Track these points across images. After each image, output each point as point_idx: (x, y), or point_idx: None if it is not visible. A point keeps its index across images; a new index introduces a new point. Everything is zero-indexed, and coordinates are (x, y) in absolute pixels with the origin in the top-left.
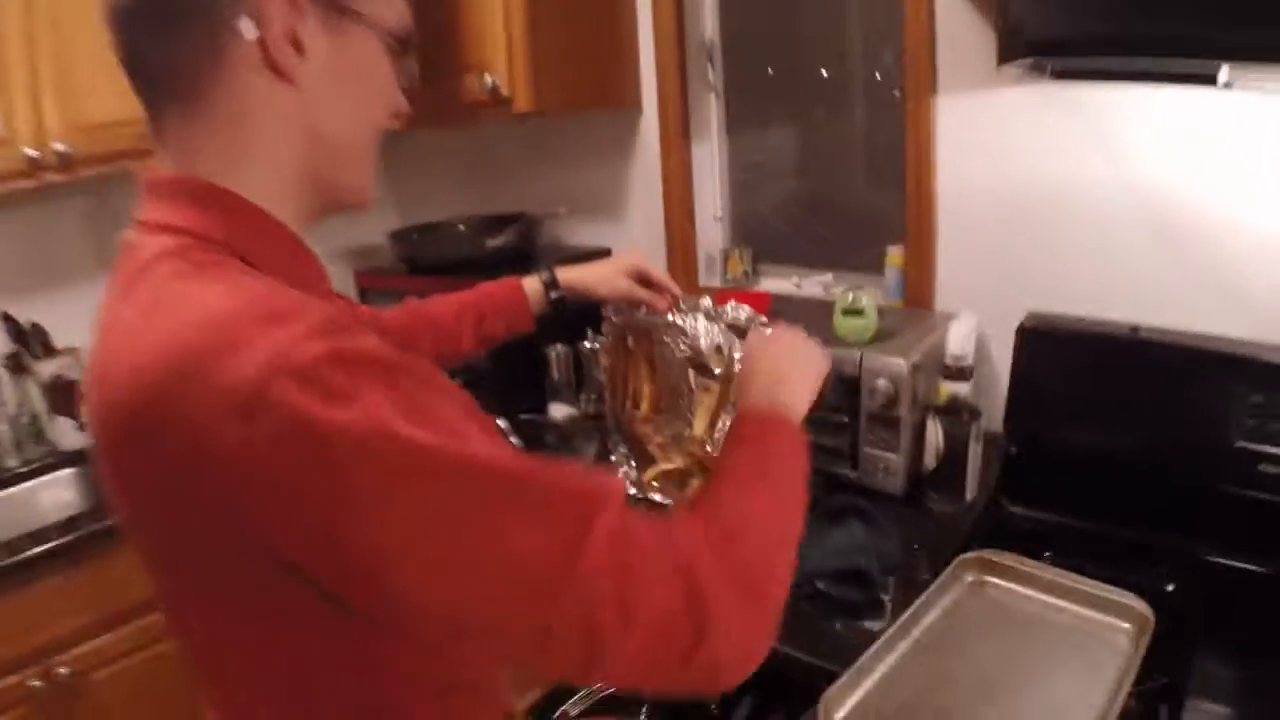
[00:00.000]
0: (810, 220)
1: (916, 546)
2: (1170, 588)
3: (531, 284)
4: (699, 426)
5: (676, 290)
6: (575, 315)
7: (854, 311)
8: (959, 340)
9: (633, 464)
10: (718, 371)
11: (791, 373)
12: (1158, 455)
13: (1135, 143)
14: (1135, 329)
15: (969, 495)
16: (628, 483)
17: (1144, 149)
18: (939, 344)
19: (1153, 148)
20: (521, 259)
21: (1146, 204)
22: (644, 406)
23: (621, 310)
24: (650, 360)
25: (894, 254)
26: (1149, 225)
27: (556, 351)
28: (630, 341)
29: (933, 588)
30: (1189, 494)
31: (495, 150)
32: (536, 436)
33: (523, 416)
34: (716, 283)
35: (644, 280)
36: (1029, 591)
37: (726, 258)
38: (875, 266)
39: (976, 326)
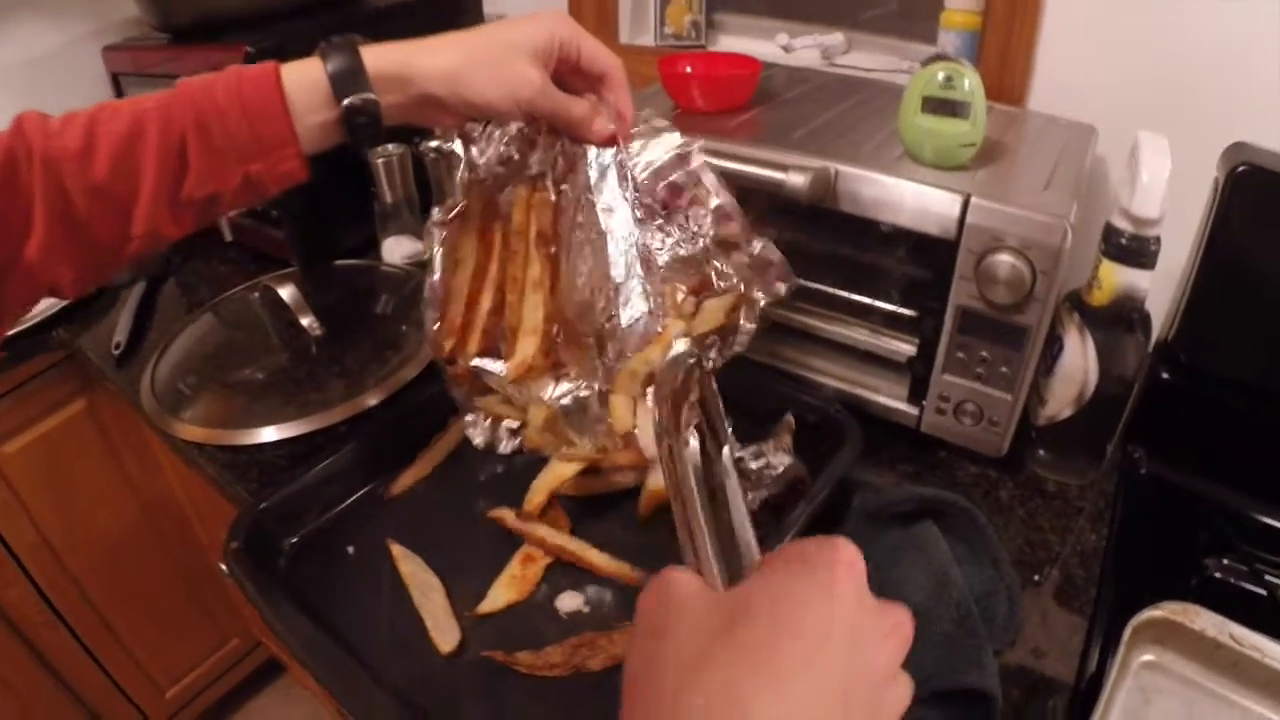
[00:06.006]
0: None
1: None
2: None
3: (305, 77)
4: (618, 414)
5: (627, 97)
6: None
7: (945, 102)
8: (1152, 184)
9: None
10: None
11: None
12: None
13: None
14: None
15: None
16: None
17: None
18: (1091, 184)
19: None
20: (337, 16)
21: None
22: (521, 350)
23: (498, 139)
24: (547, 252)
25: (959, 5)
26: None
27: (386, 158)
28: (507, 207)
29: (1102, 699)
30: None
31: None
32: (355, 301)
33: (340, 263)
34: (648, 40)
35: (569, 71)
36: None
37: None
38: (900, 27)
39: (1168, 158)
